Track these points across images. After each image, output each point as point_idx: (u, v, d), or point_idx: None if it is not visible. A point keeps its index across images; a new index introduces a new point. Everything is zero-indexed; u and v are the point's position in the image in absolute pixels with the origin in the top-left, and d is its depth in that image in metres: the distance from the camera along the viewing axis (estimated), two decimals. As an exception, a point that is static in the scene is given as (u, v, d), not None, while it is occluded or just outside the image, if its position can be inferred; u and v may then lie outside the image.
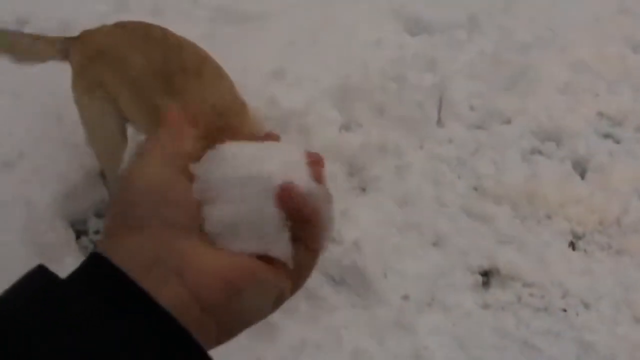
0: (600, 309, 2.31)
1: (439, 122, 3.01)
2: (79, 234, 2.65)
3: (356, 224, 2.54)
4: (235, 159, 0.47)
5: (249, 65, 3.25)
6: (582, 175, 2.75)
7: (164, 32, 2.20)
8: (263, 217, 0.46)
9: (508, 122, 2.99)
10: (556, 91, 3.13)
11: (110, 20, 2.83)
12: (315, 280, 2.35)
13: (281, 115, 3.02)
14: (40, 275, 0.40)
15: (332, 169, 2.82)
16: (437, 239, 2.53)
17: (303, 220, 0.47)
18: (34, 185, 2.62)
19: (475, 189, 2.71)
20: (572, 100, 3.08)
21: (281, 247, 0.47)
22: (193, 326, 0.40)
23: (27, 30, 3.58)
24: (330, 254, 2.41)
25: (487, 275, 2.44)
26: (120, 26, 2.26)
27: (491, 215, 2.59)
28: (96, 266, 0.41)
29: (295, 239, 0.48)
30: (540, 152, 2.86)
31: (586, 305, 2.33)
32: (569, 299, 2.35)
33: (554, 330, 2.26)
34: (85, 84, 2.25)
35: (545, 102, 3.05)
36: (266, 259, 0.46)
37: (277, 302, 0.49)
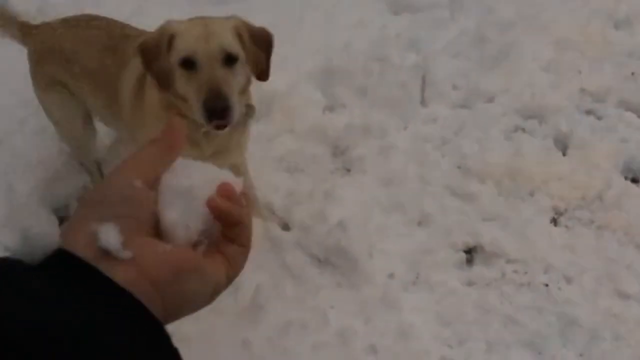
0: (582, 283, 2.34)
1: (423, 102, 3.02)
2: (62, 220, 2.64)
3: (341, 204, 2.55)
4: (180, 173, 0.60)
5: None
6: (564, 152, 2.77)
7: (107, 20, 2.28)
8: (192, 218, 0.58)
9: (491, 100, 2.99)
10: (539, 69, 3.14)
11: (88, 4, 2.80)
12: (299, 261, 2.37)
13: (265, 97, 3.01)
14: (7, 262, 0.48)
15: (316, 151, 2.82)
16: (421, 218, 2.55)
17: (232, 223, 0.58)
18: (15, 172, 2.61)
19: (459, 167, 2.73)
20: (555, 78, 3.09)
21: (212, 237, 0.59)
22: (143, 298, 0.48)
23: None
24: (315, 234, 2.42)
25: (471, 253, 2.46)
26: (65, 22, 2.32)
27: (475, 193, 2.60)
28: (58, 255, 0.49)
29: (228, 239, 0.59)
30: (523, 130, 2.87)
31: (568, 280, 2.36)
32: (552, 274, 2.38)
33: (537, 305, 2.29)
34: (42, 83, 2.34)
35: (528, 80, 3.05)
36: (207, 255, 0.58)
37: (214, 292, 0.58)
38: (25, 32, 2.34)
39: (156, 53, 1.78)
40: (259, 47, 1.86)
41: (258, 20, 3.41)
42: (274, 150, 2.82)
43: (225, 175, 0.61)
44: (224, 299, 2.24)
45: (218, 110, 1.70)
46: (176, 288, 0.53)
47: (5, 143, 2.74)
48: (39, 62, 2.31)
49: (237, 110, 1.77)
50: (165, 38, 1.77)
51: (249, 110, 2.01)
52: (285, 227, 2.52)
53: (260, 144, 2.84)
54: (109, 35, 2.18)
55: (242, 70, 1.82)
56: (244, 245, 0.60)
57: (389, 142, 2.81)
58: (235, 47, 1.78)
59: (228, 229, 0.59)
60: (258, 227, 2.46)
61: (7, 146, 2.73)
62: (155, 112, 1.95)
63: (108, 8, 3.01)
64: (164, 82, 1.81)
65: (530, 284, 2.35)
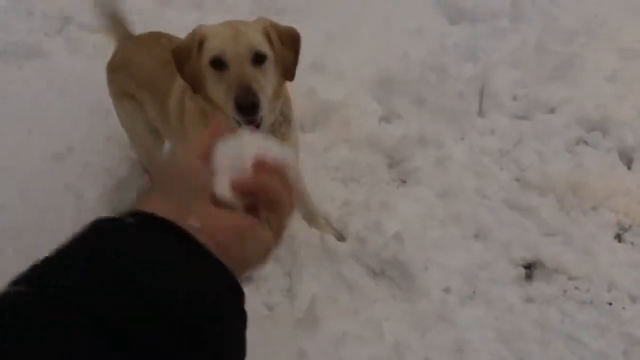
0: (648, 303, 2.25)
1: (481, 113, 2.97)
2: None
3: (396, 216, 2.54)
4: (229, 144, 0.65)
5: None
6: (629, 166, 2.68)
7: (170, 37, 2.40)
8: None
9: (552, 111, 2.92)
10: (603, 79, 3.05)
11: (154, 14, 2.89)
12: (355, 272, 2.37)
13: (321, 107, 3.04)
14: (114, 221, 0.56)
15: (372, 161, 2.82)
16: (478, 231, 2.51)
17: (270, 196, 0.64)
18: (84, 178, 2.71)
19: (518, 180, 2.67)
20: (620, 89, 2.99)
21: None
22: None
23: (73, 26, 3.69)
24: (371, 246, 2.41)
25: (530, 268, 2.40)
26: (136, 38, 2.52)
27: (535, 207, 2.54)
28: (153, 219, 0.56)
29: (270, 211, 0.64)
30: (585, 142, 2.79)
31: (633, 299, 2.27)
32: (615, 293, 2.30)
33: (600, 324, 2.21)
34: (115, 92, 2.52)
35: (591, 91, 2.97)
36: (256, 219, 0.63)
37: (266, 253, 0.64)
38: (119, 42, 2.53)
39: (188, 55, 1.84)
40: (286, 46, 1.89)
41: (314, 31, 3.47)
42: (329, 160, 2.84)
43: (273, 147, 0.66)
44: (280, 307, 2.28)
45: (248, 106, 1.71)
46: (237, 248, 0.59)
47: (76, 151, 2.85)
48: (112, 73, 2.48)
49: (267, 107, 1.78)
50: (196, 41, 1.83)
51: (285, 118, 2.04)
52: (341, 237, 2.52)
53: (317, 154, 2.86)
54: (167, 49, 2.27)
55: (271, 69, 1.84)
56: (282, 216, 0.65)
57: (445, 153, 2.78)
58: (264, 46, 1.81)
59: (268, 203, 0.64)
60: (314, 238, 2.47)
61: (77, 154, 2.84)
62: (195, 120, 2.00)
63: (170, 20, 3.10)
64: (196, 85, 1.86)
65: (593, 302, 2.28)
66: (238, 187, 0.61)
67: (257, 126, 1.80)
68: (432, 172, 2.73)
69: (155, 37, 2.44)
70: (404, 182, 2.76)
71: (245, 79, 1.73)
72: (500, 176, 2.69)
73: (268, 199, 0.63)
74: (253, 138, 0.66)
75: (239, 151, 0.64)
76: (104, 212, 2.62)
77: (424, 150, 2.81)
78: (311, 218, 2.55)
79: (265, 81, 1.80)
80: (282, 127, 2.03)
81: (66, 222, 2.55)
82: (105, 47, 3.37)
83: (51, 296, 0.47)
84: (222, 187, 0.61)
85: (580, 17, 3.34)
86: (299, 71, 3.14)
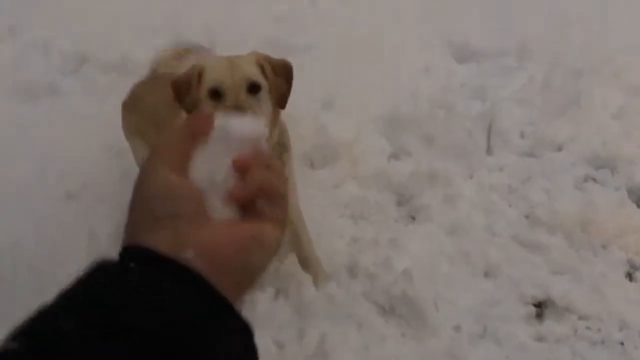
0: (661, 343, 2.23)
1: (489, 150, 3.00)
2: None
3: (406, 253, 2.55)
4: (204, 157, 0.59)
5: (298, 96, 3.32)
6: (638, 204, 2.68)
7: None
8: (219, 184, 0.59)
9: (560, 149, 2.95)
10: (610, 117, 3.08)
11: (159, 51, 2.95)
12: (365, 309, 2.37)
13: (331, 144, 3.08)
14: (110, 265, 0.53)
15: (380, 198, 2.84)
16: (488, 268, 2.51)
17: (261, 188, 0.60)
18: (97, 215, 2.74)
19: (527, 217, 2.68)
20: (627, 126, 3.02)
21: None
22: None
23: (88, 65, 3.78)
24: (380, 283, 2.42)
25: (541, 307, 2.39)
26: (149, 78, 2.65)
27: (544, 244, 2.55)
28: (144, 254, 0.53)
29: (270, 204, 0.60)
30: (594, 180, 2.81)
31: (646, 339, 2.26)
32: (627, 332, 2.28)
33: (612, 364, 2.19)
34: (128, 130, 2.63)
35: (598, 128, 2.99)
36: (257, 220, 0.59)
37: (275, 251, 0.59)
38: None
39: (187, 87, 1.97)
40: (280, 76, 2.00)
41: (324, 69, 3.53)
42: (338, 197, 2.86)
43: (243, 126, 0.61)
44: (290, 345, 2.28)
45: None
46: (241, 265, 0.55)
47: (90, 187, 2.90)
48: (126, 111, 2.61)
49: None
50: (196, 73, 1.95)
51: (283, 147, 2.14)
52: (351, 274, 2.53)
53: (326, 190, 2.89)
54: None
55: (265, 97, 1.95)
56: (283, 211, 0.61)
57: (454, 190, 2.80)
58: (258, 77, 1.93)
59: (267, 199, 0.60)
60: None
61: (91, 191, 2.88)
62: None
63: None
64: None
65: (605, 342, 2.26)
66: (233, 201, 0.58)
67: None
68: (441, 209, 2.74)
69: (163, 77, 2.49)
70: (413, 219, 2.78)
71: (241, 106, 1.84)
72: (509, 213, 2.70)
73: (266, 196, 0.59)
74: (222, 134, 0.60)
75: (216, 161, 0.59)
76: (116, 250, 2.66)
77: (433, 188, 2.83)
78: (305, 261, 2.50)
79: (260, 109, 1.91)
80: (282, 156, 2.13)
81: (79, 258, 2.57)
82: (119, 87, 3.46)
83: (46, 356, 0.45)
84: (216, 209, 0.57)
85: (586, 55, 3.38)
86: (310, 108, 3.22)
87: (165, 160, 0.58)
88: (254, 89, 1.91)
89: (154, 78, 2.62)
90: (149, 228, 0.55)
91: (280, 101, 2.02)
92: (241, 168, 0.58)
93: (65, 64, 3.81)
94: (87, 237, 2.65)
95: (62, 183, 2.93)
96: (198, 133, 0.60)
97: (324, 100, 3.29)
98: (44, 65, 3.81)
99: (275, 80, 1.98)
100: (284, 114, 2.17)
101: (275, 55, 2.10)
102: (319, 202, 2.82)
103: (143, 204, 0.57)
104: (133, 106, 2.58)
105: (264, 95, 1.94)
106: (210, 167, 0.58)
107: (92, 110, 3.30)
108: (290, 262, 2.54)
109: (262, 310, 2.31)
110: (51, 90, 3.61)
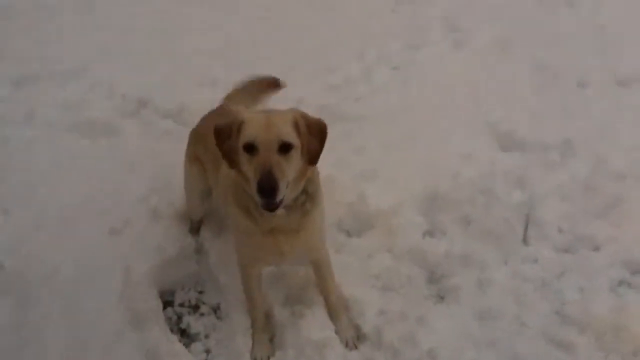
0: None
1: (525, 241, 3.01)
2: (166, 304, 2.81)
3: (432, 332, 2.54)
4: None
5: (342, 162, 3.43)
6: (675, 315, 2.63)
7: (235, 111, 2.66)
8: None
9: (597, 249, 2.94)
10: (650, 223, 3.06)
11: (215, 104, 3.10)
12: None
13: (369, 213, 3.14)
14: None
15: (412, 273, 2.86)
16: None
17: None
18: (135, 253, 2.84)
19: (558, 313, 2.65)
20: (667, 235, 2.99)
21: None
22: None
23: (147, 109, 3.98)
24: (404, 359, 2.41)
25: (564, 407, 2.34)
26: (212, 112, 2.91)
27: (573, 343, 2.50)
28: None
29: None
30: (629, 285, 2.78)
31: None
32: None
33: None
34: (189, 156, 2.88)
35: (637, 233, 2.98)
36: None
37: None
38: None
39: (228, 135, 2.09)
40: (314, 136, 2.09)
41: (371, 139, 3.62)
42: (371, 267, 2.90)
43: None
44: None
45: (267, 189, 1.93)
46: None
47: (132, 225, 3.01)
48: (191, 139, 2.88)
49: (283, 191, 1.98)
50: (237, 124, 2.07)
51: (309, 197, 2.23)
52: (375, 346, 2.53)
53: (360, 259, 2.93)
54: None
55: (296, 156, 2.04)
56: None
57: (487, 275, 2.80)
58: (291, 137, 2.02)
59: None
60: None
61: (130, 230, 3.00)
62: (231, 192, 2.29)
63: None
64: (232, 160, 2.11)
65: None
66: None
67: (277, 206, 2.01)
68: (472, 293, 2.74)
69: (230, 112, 2.65)
70: (442, 298, 2.78)
71: (268, 165, 1.95)
72: (540, 306, 2.68)
73: None
74: None
75: None
76: (149, 288, 2.73)
77: (466, 270, 2.84)
78: (334, 311, 2.64)
79: (288, 168, 2.01)
80: (306, 204, 2.23)
81: (112, 293, 2.66)
82: (172, 133, 3.63)
83: None
84: None
85: (629, 159, 3.40)
86: (352, 175, 3.30)
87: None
88: (285, 148, 2.00)
89: (222, 112, 2.80)
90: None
91: (311, 158, 2.11)
92: None
93: (126, 106, 4.02)
94: (122, 274, 2.73)
95: (107, 218, 3.05)
96: None
97: (367, 170, 3.38)
98: (106, 106, 4.03)
99: (309, 139, 2.08)
100: (325, 175, 2.26)
101: (326, 120, 2.19)
102: (351, 269, 2.86)
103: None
104: (197, 136, 2.81)
105: (295, 154, 2.03)
106: None
107: (145, 151, 3.46)
108: (312, 326, 2.57)
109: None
110: (110, 129, 3.79)
